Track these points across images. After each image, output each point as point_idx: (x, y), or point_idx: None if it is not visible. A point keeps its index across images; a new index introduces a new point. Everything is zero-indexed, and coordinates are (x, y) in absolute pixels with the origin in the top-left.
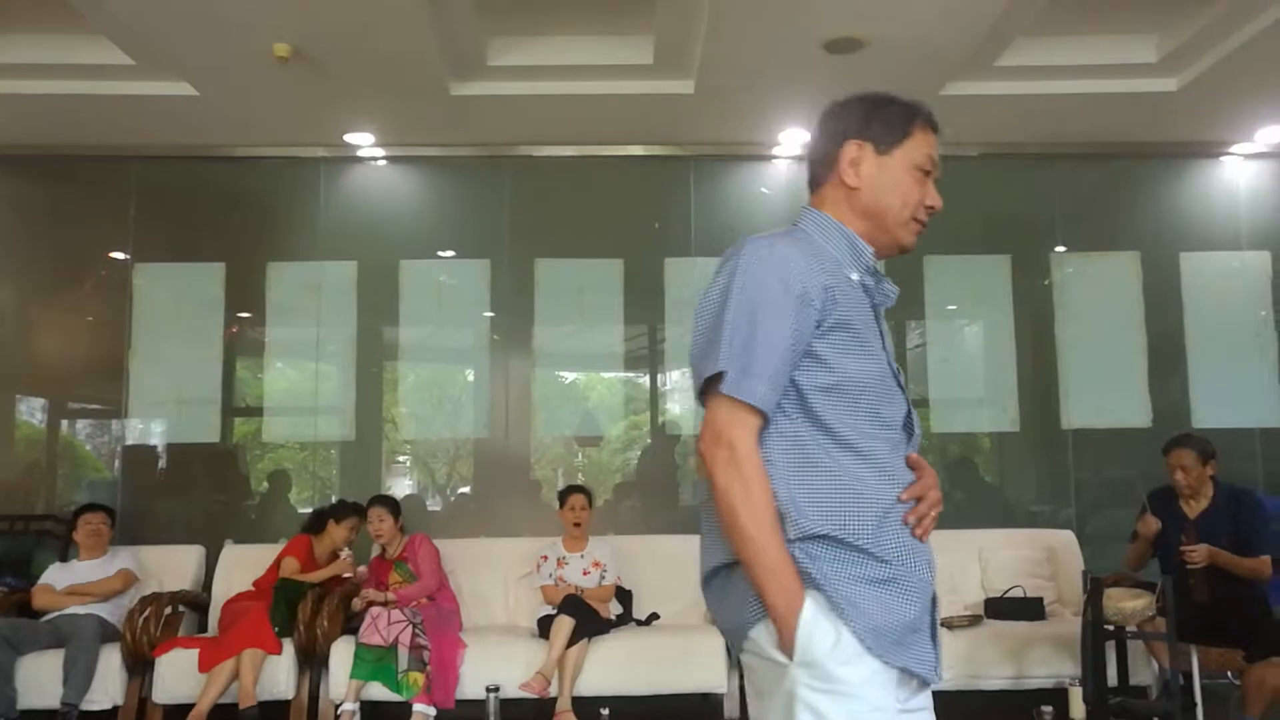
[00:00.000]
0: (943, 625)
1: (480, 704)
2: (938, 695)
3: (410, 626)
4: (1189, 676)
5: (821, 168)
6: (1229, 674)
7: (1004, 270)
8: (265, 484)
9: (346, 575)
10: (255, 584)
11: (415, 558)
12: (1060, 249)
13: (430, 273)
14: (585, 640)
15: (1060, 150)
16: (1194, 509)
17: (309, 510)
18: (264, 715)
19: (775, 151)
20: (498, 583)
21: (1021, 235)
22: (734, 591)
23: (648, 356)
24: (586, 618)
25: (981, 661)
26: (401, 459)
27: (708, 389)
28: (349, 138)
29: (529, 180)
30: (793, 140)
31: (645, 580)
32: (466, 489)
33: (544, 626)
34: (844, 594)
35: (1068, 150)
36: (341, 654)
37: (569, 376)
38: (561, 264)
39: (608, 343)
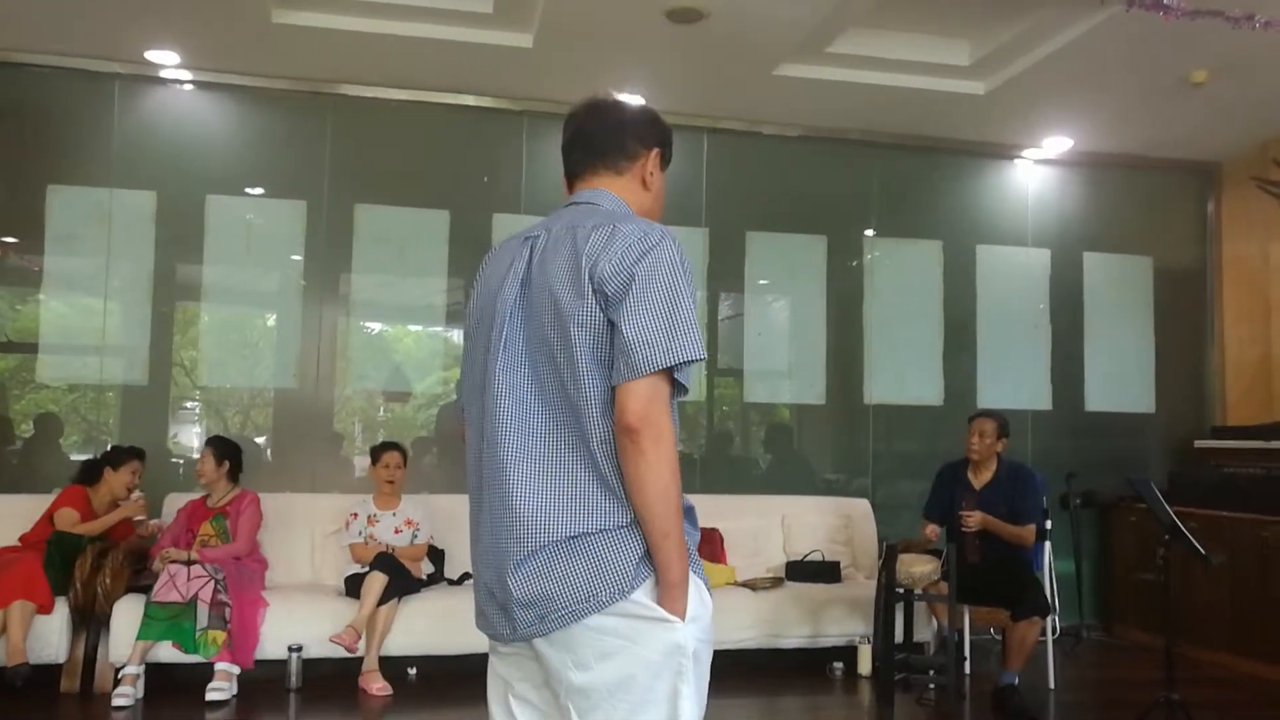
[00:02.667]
0: (746, 587)
1: (281, 664)
2: (740, 653)
3: (212, 582)
4: (961, 634)
5: (621, 157)
6: (991, 630)
7: (820, 250)
8: (30, 428)
9: (139, 519)
10: (22, 539)
11: (237, 516)
12: (871, 233)
13: (239, 210)
14: (395, 600)
15: (877, 139)
16: (979, 480)
17: (85, 458)
18: (33, 679)
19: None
20: (302, 540)
21: (837, 217)
22: (602, 557)
23: (462, 312)
24: (398, 576)
25: (782, 621)
26: (189, 405)
27: (652, 365)
28: (151, 55)
29: (353, 121)
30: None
31: (459, 540)
32: (262, 439)
33: (351, 585)
34: (694, 555)
35: (884, 140)
36: (127, 613)
37: (376, 328)
38: (383, 211)
39: (427, 295)
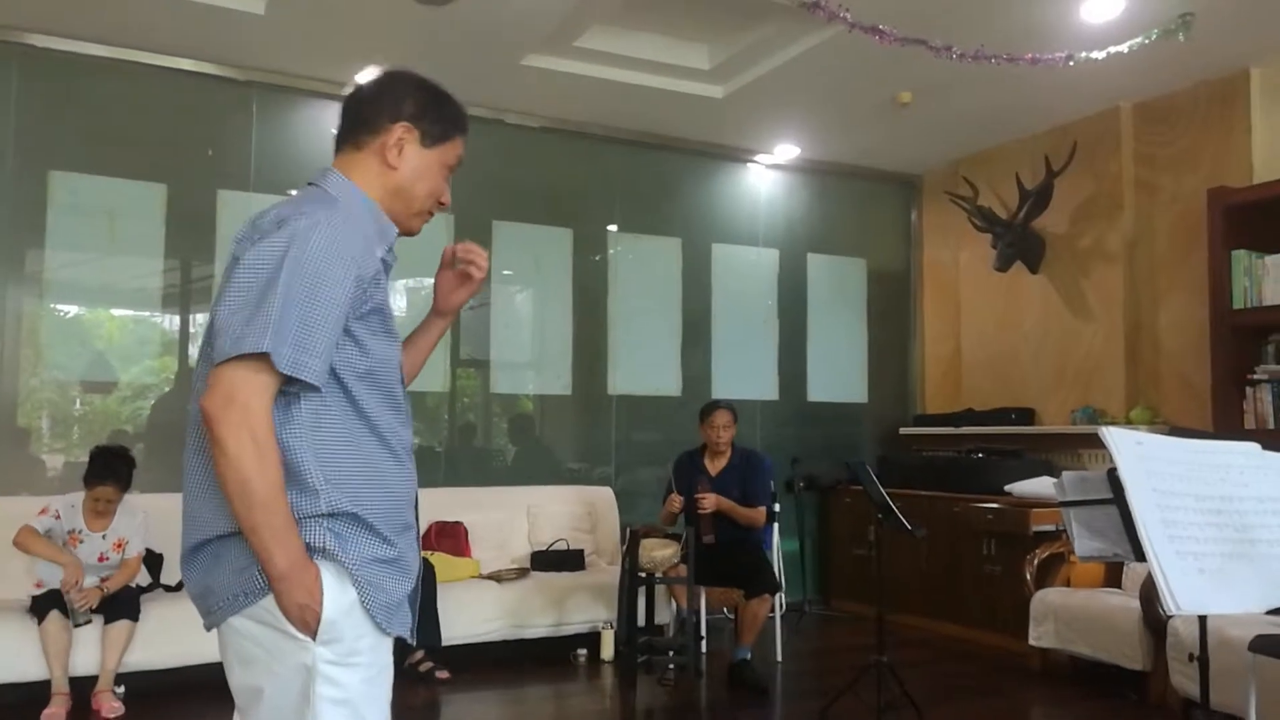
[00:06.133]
0: (492, 579)
1: None
2: (485, 646)
3: None
4: (699, 614)
5: (364, 132)
6: (724, 609)
7: (566, 242)
8: None
9: None
10: None
11: None
12: (614, 228)
13: None
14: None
15: (621, 135)
16: (715, 466)
17: None
18: None
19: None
20: None
21: (582, 211)
22: (239, 558)
23: (179, 295)
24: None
25: (526, 612)
26: None
27: (225, 353)
28: None
29: (45, 77)
30: None
31: (175, 543)
32: None
33: (39, 605)
34: (363, 573)
35: (627, 136)
36: None
37: (71, 311)
38: (86, 180)
39: (139, 276)
